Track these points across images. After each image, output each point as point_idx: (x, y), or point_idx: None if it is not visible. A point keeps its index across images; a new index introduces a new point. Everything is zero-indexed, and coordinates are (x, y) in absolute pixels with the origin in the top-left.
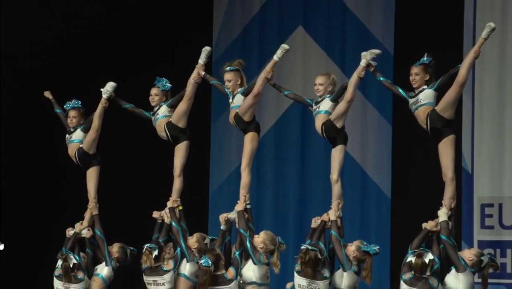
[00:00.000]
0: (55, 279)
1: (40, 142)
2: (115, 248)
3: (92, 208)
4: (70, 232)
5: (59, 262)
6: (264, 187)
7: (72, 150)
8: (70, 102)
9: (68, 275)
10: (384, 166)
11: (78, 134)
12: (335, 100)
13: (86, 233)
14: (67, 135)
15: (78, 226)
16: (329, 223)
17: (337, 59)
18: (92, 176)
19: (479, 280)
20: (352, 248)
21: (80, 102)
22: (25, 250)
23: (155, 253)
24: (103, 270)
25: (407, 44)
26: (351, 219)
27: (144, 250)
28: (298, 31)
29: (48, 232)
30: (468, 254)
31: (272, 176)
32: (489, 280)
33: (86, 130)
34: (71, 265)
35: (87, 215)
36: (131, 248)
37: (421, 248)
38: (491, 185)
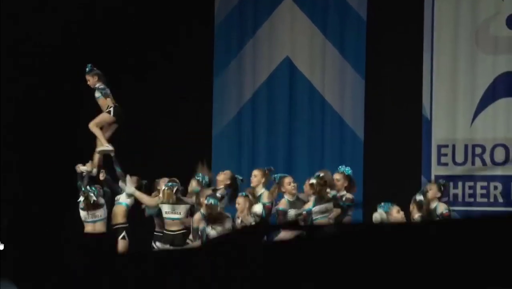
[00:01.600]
0: (80, 211)
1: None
2: (133, 179)
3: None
4: (81, 167)
5: (81, 198)
6: (257, 139)
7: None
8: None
9: (91, 206)
10: (359, 113)
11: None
12: None
13: (101, 176)
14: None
15: (89, 165)
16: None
17: (320, 25)
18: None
19: None
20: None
21: (90, 65)
22: (53, 191)
23: (176, 188)
24: (124, 197)
25: (378, 12)
26: (331, 160)
27: (166, 189)
28: (286, 1)
29: (71, 176)
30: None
31: (264, 129)
32: None
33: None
34: (91, 201)
35: (95, 157)
36: (145, 181)
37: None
38: (446, 130)
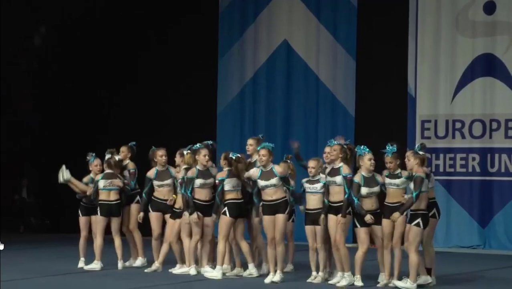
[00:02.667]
0: (100, 181)
1: None
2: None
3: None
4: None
5: (108, 156)
6: (258, 115)
7: None
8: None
9: (115, 165)
10: (350, 92)
11: None
12: None
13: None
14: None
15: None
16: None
17: (314, 11)
18: None
19: None
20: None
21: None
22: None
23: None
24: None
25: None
26: (324, 134)
27: (188, 152)
28: None
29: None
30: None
31: (264, 106)
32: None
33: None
34: (117, 158)
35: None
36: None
37: None
38: (429, 106)
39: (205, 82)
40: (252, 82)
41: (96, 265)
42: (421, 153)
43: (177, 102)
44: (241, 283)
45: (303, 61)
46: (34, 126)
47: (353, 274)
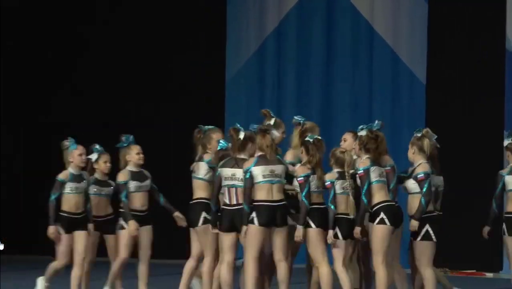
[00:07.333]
0: (92, 186)
1: None
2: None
3: None
4: None
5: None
6: (284, 80)
7: None
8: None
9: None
10: (418, 48)
11: None
12: None
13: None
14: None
15: None
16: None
17: None
18: None
19: None
20: None
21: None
22: None
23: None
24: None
25: None
26: (380, 108)
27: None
28: None
29: None
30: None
31: (293, 68)
32: None
33: None
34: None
35: None
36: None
37: None
38: None
39: (208, 39)
40: (275, 36)
41: None
42: (507, 142)
43: (177, 69)
44: None
45: (351, 4)
46: None
47: None
